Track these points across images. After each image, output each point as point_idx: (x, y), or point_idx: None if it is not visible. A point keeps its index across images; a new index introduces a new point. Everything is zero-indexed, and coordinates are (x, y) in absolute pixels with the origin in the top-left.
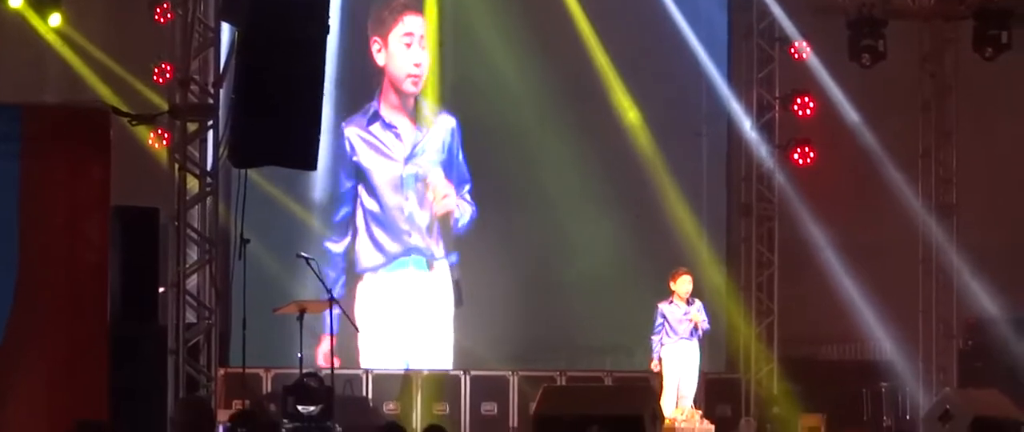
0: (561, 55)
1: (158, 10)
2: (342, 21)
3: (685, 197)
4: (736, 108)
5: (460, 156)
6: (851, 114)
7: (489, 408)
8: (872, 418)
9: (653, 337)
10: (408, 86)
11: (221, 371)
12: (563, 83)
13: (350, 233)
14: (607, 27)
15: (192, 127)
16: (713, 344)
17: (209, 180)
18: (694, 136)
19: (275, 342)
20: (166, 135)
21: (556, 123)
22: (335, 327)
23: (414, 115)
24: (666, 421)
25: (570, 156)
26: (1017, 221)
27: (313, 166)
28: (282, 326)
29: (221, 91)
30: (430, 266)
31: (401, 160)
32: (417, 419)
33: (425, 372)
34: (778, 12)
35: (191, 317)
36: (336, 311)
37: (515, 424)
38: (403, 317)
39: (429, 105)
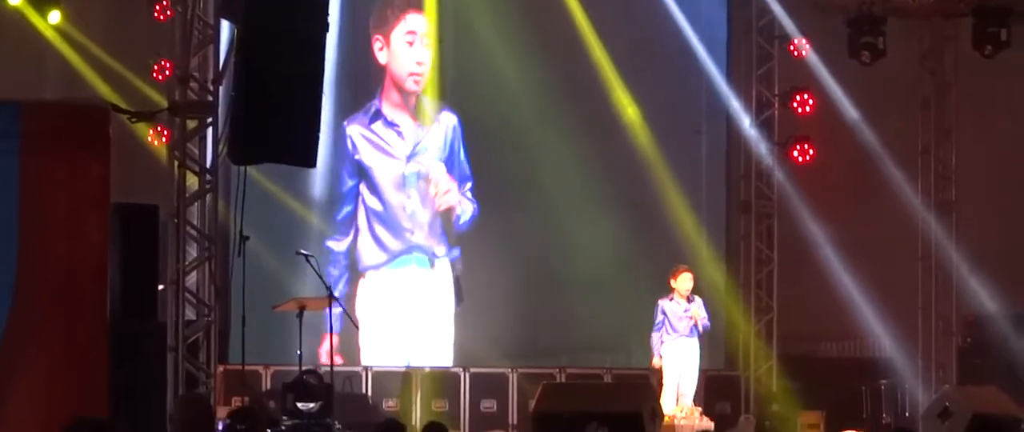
0: (560, 53)
1: (157, 7)
2: (343, 19)
3: (684, 194)
4: (735, 105)
5: (462, 154)
6: (850, 111)
7: (488, 405)
8: (871, 415)
9: (654, 334)
10: (410, 84)
11: (220, 368)
12: (562, 81)
13: (352, 231)
14: (606, 25)
15: (191, 124)
16: (712, 341)
17: (208, 177)
18: (693, 133)
19: (274, 339)
20: (165, 132)
21: (555, 121)
22: (338, 325)
23: (416, 113)
24: (665, 418)
25: (569, 154)
26: (1016, 218)
27: (313, 163)
28: (281, 323)
29: (220, 88)
30: (432, 264)
31: (403, 158)
32: (417, 416)
33: (427, 369)
34: (778, 9)
35: (190, 314)
36: (337, 309)
37: (514, 421)
38: (404, 315)
39: (430, 103)
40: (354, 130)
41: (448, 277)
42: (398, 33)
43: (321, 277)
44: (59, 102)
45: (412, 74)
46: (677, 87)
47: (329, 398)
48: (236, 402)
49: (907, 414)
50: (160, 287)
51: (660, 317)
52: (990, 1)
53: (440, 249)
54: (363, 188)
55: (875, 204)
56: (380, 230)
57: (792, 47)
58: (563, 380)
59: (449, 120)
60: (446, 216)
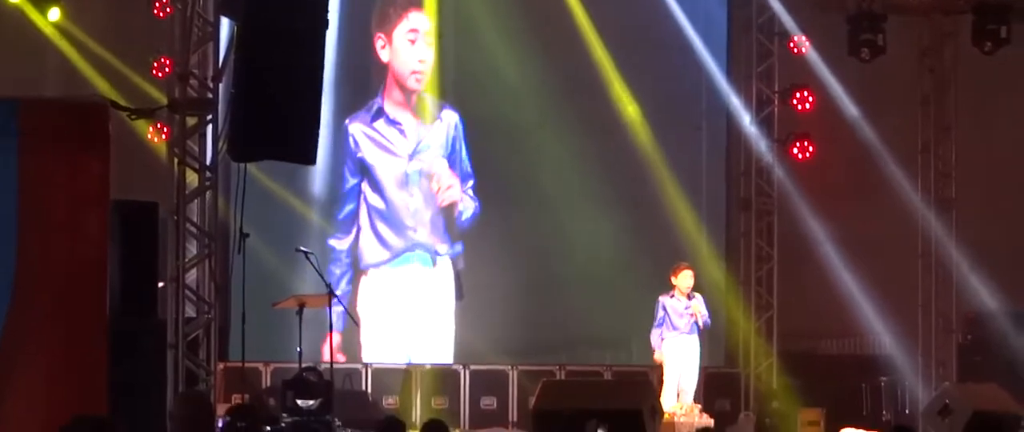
0: (560, 50)
1: (157, 4)
2: (343, 17)
3: (684, 192)
4: (735, 103)
5: (464, 152)
6: (850, 108)
7: (488, 402)
8: (871, 412)
9: (654, 330)
10: (412, 83)
11: (220, 365)
12: (562, 79)
13: (354, 230)
14: (606, 22)
15: (191, 121)
16: (712, 339)
17: (208, 174)
18: (693, 131)
19: (274, 336)
20: (165, 129)
21: (555, 118)
22: (340, 323)
23: (418, 111)
24: (665, 415)
25: (569, 151)
26: (1017, 216)
27: (312, 160)
28: (281, 320)
29: (220, 85)
30: (434, 262)
31: (405, 156)
32: (416, 413)
33: (428, 366)
34: (777, 7)
35: (190, 311)
36: (338, 307)
37: (514, 418)
38: (406, 312)
39: (431, 101)
40: (356, 128)
41: (449, 275)
42: (400, 31)
43: (321, 274)
44: (58, 99)
45: (414, 72)
46: (677, 84)
47: (329, 395)
48: (236, 399)
49: (907, 411)
50: (160, 284)
51: (661, 313)
52: None
53: (442, 247)
54: (365, 186)
55: (875, 201)
56: (382, 228)
57: (792, 44)
58: (563, 377)
59: (451, 118)
60: (448, 212)
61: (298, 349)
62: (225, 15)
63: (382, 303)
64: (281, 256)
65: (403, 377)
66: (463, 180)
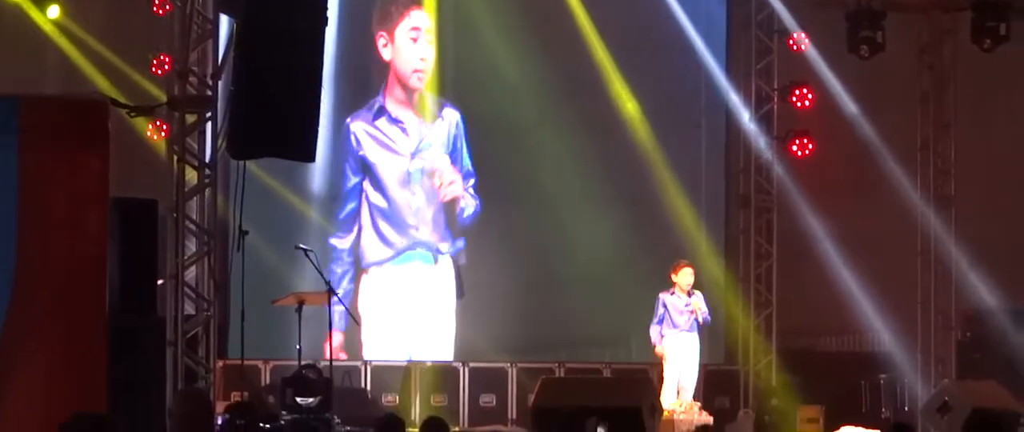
0: (559, 48)
1: (156, 2)
2: (345, 16)
3: (684, 189)
4: (734, 100)
5: (465, 151)
6: (850, 106)
7: (488, 400)
8: (870, 410)
9: (653, 326)
10: (414, 81)
11: (220, 363)
12: (562, 77)
13: (356, 228)
14: (606, 20)
15: (190, 119)
16: (712, 336)
17: (207, 172)
18: (693, 128)
19: (273, 334)
20: (165, 127)
21: (555, 116)
22: (343, 322)
23: (419, 110)
24: (665, 413)
25: (569, 149)
26: (1015, 213)
27: (312, 158)
28: (281, 318)
29: (219, 83)
30: (435, 260)
31: (408, 155)
32: (416, 411)
33: (428, 363)
34: (777, 4)
35: (190, 309)
36: (339, 306)
37: (513, 416)
38: (407, 310)
39: (431, 99)
40: (358, 127)
41: (450, 273)
42: (402, 30)
43: (320, 272)
44: (58, 97)
45: (416, 71)
46: (676, 82)
47: (328, 393)
48: (235, 397)
49: (906, 408)
50: (159, 282)
51: (661, 310)
52: None
53: (444, 245)
54: (367, 185)
55: (874, 198)
56: (384, 226)
57: (791, 41)
58: (562, 375)
59: (452, 117)
60: (450, 209)
61: (297, 347)
62: (224, 12)
63: (383, 301)
64: (280, 254)
65: (403, 374)
66: (465, 178)
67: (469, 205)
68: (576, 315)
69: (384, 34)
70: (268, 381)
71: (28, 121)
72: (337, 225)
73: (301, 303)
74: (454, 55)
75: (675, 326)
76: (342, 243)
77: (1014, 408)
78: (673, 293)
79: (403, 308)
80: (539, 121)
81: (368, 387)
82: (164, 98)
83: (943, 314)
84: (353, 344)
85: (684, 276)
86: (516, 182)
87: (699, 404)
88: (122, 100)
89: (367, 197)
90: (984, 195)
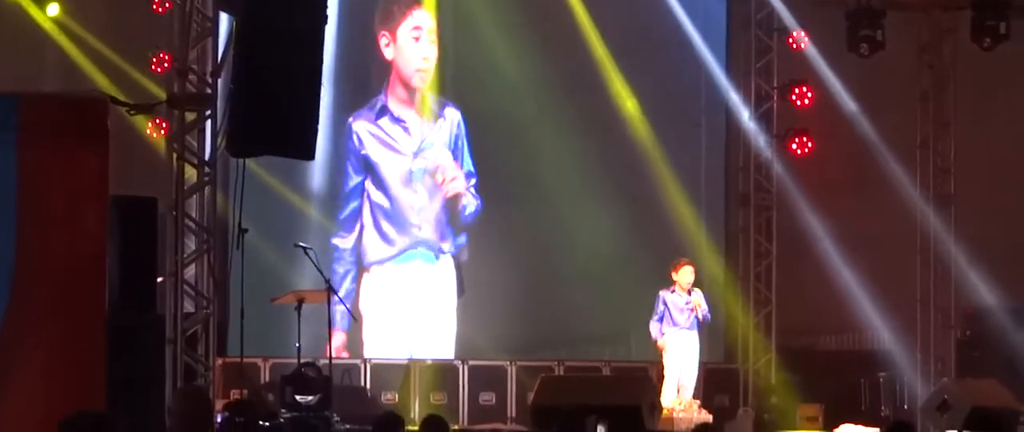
0: (559, 46)
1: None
2: (345, 16)
3: (683, 187)
4: (734, 98)
5: (466, 150)
6: (849, 104)
7: (487, 398)
8: (870, 408)
9: (653, 323)
10: (416, 81)
11: (219, 361)
12: (561, 74)
13: (357, 227)
14: (605, 19)
15: (190, 117)
16: (711, 334)
17: (207, 170)
18: (692, 126)
19: (273, 332)
20: (164, 125)
21: (554, 114)
22: (345, 322)
23: (421, 109)
24: (664, 411)
25: (569, 148)
26: (1015, 211)
27: (311, 156)
28: (280, 316)
29: (219, 81)
30: (437, 259)
31: (410, 154)
32: (415, 409)
33: (429, 361)
34: (776, 2)
35: (189, 307)
36: (340, 306)
37: (513, 414)
38: (409, 308)
39: (431, 98)
40: (360, 126)
41: (451, 272)
42: (404, 29)
43: (320, 270)
44: (58, 94)
45: (418, 70)
46: (676, 80)
47: (328, 391)
48: (235, 395)
49: (906, 407)
50: (159, 280)
51: (661, 308)
52: None
53: (445, 244)
54: (369, 184)
55: (874, 197)
56: (386, 225)
57: (791, 40)
58: (561, 373)
59: (454, 116)
60: (452, 206)
61: (297, 345)
62: (224, 10)
63: (385, 300)
64: (280, 252)
65: (402, 373)
66: (466, 178)
67: (470, 204)
68: (576, 313)
69: (387, 33)
70: (267, 379)
71: (27, 119)
72: (338, 224)
73: (300, 301)
74: (454, 53)
75: (675, 324)
76: (344, 242)
77: (1013, 406)
78: (673, 291)
79: (404, 306)
80: (538, 119)
81: (368, 385)
82: (164, 96)
83: (943, 312)
84: (354, 342)
85: (684, 274)
86: (515, 180)
87: (699, 402)
88: (122, 98)
89: (369, 196)
90: (984, 194)
